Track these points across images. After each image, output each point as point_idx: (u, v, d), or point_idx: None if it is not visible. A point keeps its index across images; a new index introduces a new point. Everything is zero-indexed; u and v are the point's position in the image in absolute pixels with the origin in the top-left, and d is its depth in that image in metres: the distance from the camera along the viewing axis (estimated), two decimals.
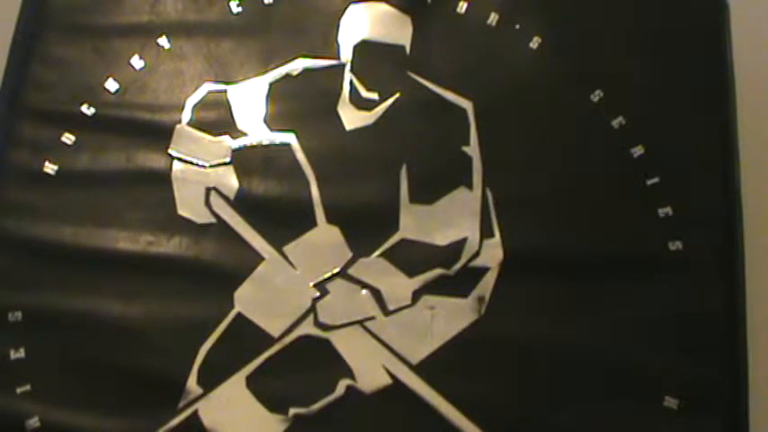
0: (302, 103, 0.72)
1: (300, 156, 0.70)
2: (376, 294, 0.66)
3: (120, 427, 0.63)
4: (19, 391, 0.64)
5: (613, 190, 0.69)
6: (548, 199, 0.68)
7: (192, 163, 0.70)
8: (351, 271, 0.67)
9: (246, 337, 0.65)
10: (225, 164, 0.70)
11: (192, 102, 0.72)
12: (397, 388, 0.64)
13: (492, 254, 0.67)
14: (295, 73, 0.73)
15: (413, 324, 0.65)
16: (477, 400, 0.63)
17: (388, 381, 0.64)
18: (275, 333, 0.65)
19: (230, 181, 0.70)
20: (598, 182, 0.69)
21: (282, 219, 0.68)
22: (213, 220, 0.68)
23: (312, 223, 0.68)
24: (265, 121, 0.71)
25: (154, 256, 0.67)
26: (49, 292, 0.67)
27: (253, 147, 0.71)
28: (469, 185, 0.69)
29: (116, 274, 0.67)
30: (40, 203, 0.69)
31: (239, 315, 0.66)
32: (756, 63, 0.78)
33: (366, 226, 0.68)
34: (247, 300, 0.66)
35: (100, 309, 0.66)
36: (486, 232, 0.67)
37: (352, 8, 0.75)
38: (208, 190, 0.69)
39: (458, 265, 0.67)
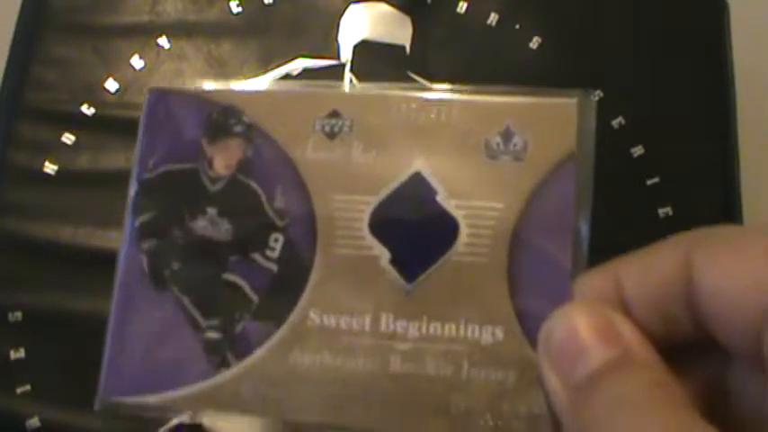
0: None
1: None
2: None
3: (120, 427, 0.63)
4: (19, 391, 0.64)
5: (613, 190, 0.69)
6: None
7: None
8: None
9: None
10: None
11: None
12: None
13: None
14: (295, 73, 0.73)
15: None
16: None
17: None
18: None
19: None
20: (598, 182, 0.69)
21: None
22: None
23: None
24: None
25: None
26: (49, 292, 0.67)
27: None
28: None
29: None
30: (40, 203, 0.69)
31: None
32: (756, 63, 0.78)
33: None
34: None
35: (100, 309, 0.66)
36: None
37: (352, 8, 0.74)
38: None
39: None
